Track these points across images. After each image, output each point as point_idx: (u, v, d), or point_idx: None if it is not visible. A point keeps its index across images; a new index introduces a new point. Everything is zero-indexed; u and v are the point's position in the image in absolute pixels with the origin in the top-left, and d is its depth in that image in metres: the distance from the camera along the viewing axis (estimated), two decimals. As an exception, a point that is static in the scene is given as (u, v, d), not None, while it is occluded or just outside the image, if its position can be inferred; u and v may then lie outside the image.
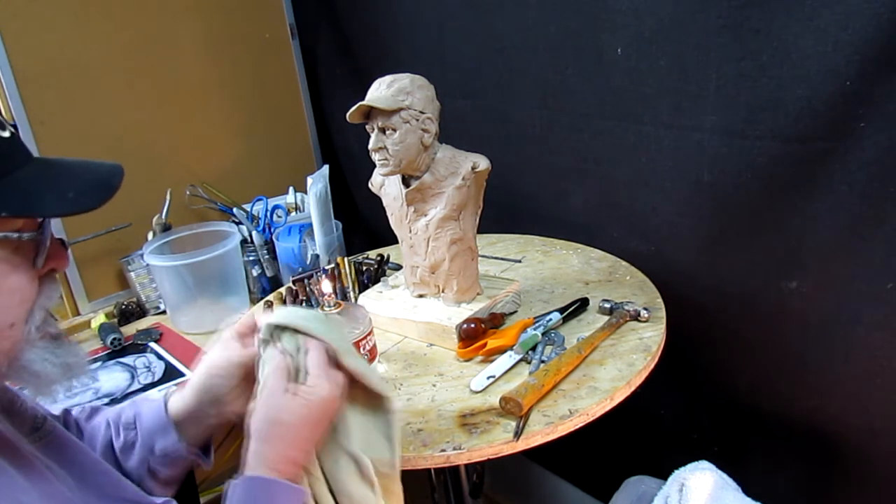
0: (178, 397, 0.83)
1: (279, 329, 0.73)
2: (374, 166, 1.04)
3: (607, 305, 1.11)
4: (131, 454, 0.82)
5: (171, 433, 0.81)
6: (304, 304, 1.28)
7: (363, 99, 0.99)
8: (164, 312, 1.64)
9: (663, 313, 1.09)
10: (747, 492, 1.00)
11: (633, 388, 0.94)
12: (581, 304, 1.13)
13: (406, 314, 1.13)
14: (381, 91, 1.00)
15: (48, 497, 0.62)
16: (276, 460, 0.67)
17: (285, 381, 0.70)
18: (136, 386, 1.33)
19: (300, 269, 1.56)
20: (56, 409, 0.84)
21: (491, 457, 0.85)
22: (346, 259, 1.37)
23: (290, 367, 0.71)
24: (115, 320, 1.59)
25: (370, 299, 1.21)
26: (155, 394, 1.29)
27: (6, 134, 0.61)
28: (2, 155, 0.59)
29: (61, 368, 0.67)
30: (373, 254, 1.47)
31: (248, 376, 0.78)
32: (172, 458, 0.82)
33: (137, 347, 1.49)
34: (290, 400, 0.69)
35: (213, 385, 0.80)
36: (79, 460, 0.72)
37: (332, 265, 1.35)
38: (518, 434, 0.85)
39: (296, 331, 0.73)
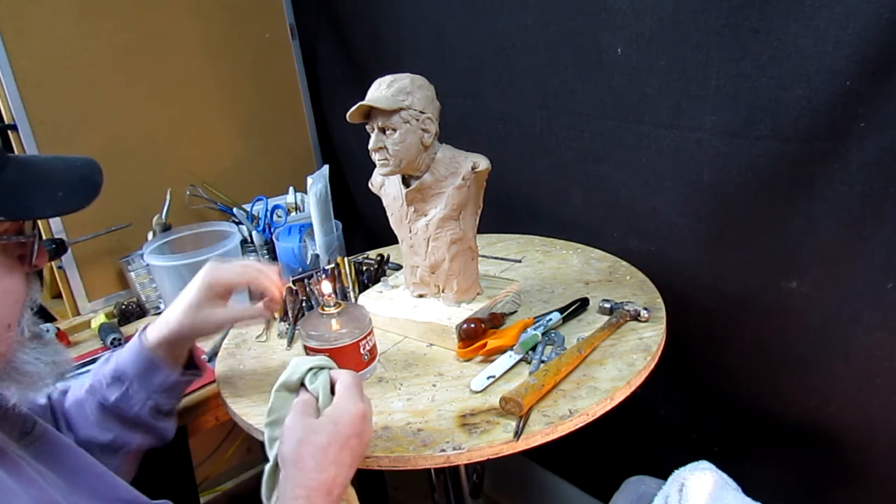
0: (156, 331, 0.89)
1: (305, 374, 0.74)
2: (374, 166, 1.04)
3: (607, 305, 1.11)
4: (131, 402, 0.86)
5: (161, 368, 0.87)
6: (304, 303, 1.28)
7: (363, 99, 0.99)
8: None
9: (663, 313, 1.09)
10: (747, 492, 1.00)
11: (633, 388, 0.94)
12: (581, 304, 1.13)
13: (406, 314, 1.13)
14: (381, 91, 1.00)
15: (36, 500, 0.62)
16: (307, 485, 0.64)
17: (312, 410, 0.71)
18: (136, 386, 1.33)
19: (300, 269, 1.56)
20: (42, 399, 0.87)
21: (491, 457, 0.85)
22: (346, 259, 1.37)
23: (311, 401, 0.72)
24: (115, 320, 1.59)
25: (370, 299, 1.21)
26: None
27: None
28: None
29: (51, 367, 0.68)
30: (373, 254, 1.47)
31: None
32: (171, 387, 0.89)
33: (137, 347, 1.49)
34: (318, 420, 0.68)
35: (195, 324, 0.89)
36: (70, 463, 0.72)
37: (332, 265, 1.35)
38: (518, 434, 0.84)
39: (319, 369, 0.75)
